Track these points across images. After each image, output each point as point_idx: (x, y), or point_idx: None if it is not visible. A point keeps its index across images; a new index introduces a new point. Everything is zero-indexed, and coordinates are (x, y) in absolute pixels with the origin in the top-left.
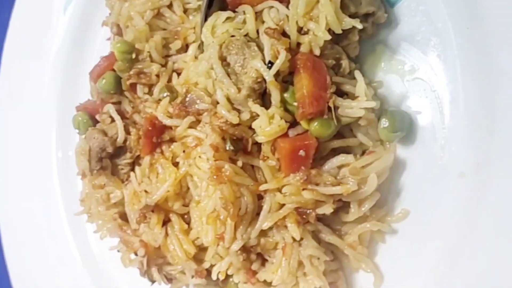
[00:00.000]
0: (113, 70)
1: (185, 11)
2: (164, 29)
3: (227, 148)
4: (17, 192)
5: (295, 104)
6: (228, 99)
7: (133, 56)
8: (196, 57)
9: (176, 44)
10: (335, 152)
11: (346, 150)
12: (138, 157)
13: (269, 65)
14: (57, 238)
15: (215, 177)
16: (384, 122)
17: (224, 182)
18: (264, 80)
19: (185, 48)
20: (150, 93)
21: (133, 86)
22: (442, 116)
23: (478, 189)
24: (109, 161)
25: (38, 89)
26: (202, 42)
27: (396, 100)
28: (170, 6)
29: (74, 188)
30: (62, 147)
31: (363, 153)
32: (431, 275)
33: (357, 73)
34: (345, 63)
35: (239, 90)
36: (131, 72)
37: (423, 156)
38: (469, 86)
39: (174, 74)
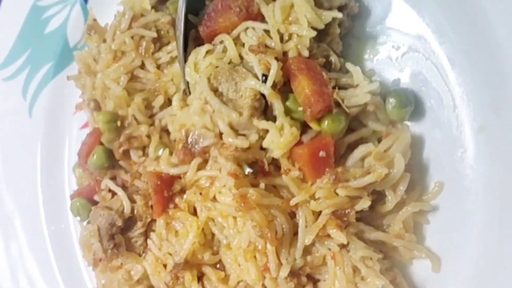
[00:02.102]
0: (101, 143)
1: (158, 67)
2: (142, 90)
3: (246, 173)
4: None
5: (300, 109)
6: (231, 127)
7: (118, 124)
8: (182, 107)
9: (159, 101)
10: (351, 148)
11: (361, 143)
12: (150, 224)
13: (263, 78)
14: None
15: (242, 205)
16: (391, 101)
17: (253, 208)
18: (262, 95)
19: (168, 103)
20: (145, 155)
21: (126, 153)
22: (444, 79)
23: (504, 136)
24: (121, 236)
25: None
26: (187, 87)
27: (393, 81)
28: (142, 66)
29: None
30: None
31: (378, 141)
32: (482, 241)
33: (349, 64)
34: (334, 58)
35: (240, 114)
36: (121, 140)
37: (438, 124)
38: (464, 39)
39: (169, 121)
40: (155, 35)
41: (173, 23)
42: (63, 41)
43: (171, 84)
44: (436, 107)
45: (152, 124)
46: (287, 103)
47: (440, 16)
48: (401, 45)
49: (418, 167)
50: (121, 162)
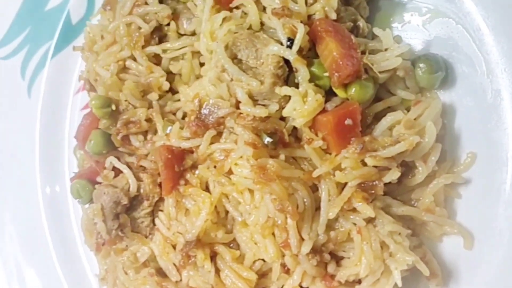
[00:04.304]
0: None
1: (156, 58)
2: (135, 83)
3: (265, 142)
4: None
5: (326, 75)
6: (250, 97)
7: (113, 107)
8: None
9: (153, 97)
10: (378, 119)
11: (389, 113)
12: (157, 204)
13: (289, 43)
14: None
15: (261, 176)
16: (421, 67)
17: (273, 179)
18: (286, 62)
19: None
20: (146, 140)
21: (125, 139)
22: (477, 44)
23: None
24: (126, 216)
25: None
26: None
27: (421, 47)
28: (134, 58)
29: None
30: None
31: (407, 110)
32: None
33: (377, 29)
34: (362, 23)
35: (262, 82)
36: (118, 126)
37: (470, 91)
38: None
39: (181, 90)
40: (148, 30)
41: (173, 18)
42: (65, 19)
43: (163, 81)
44: (468, 73)
45: (150, 107)
46: (312, 69)
47: None
48: (430, 10)
49: (449, 137)
50: (121, 149)
